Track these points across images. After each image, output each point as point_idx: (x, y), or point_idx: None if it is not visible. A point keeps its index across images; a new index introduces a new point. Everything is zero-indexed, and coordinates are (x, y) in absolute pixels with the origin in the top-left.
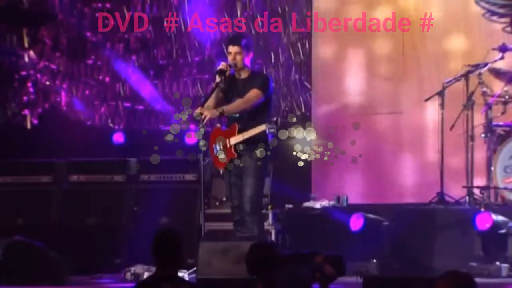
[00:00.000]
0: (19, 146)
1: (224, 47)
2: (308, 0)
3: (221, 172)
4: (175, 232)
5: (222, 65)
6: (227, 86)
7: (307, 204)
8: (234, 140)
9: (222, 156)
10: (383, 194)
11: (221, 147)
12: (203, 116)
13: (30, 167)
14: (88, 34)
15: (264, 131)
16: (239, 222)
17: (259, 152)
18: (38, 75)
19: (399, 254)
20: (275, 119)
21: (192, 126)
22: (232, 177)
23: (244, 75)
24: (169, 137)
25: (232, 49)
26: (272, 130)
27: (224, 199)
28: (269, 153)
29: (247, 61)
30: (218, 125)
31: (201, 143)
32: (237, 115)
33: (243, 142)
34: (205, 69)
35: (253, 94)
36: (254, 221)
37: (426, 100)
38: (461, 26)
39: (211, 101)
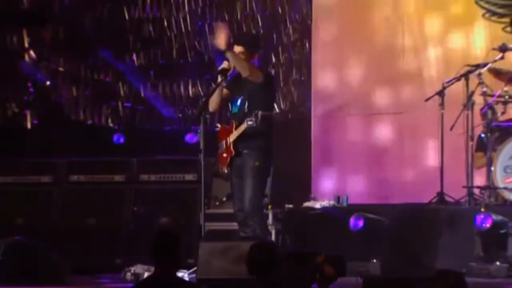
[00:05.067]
0: (19, 146)
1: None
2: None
3: (225, 171)
4: (173, 232)
5: (224, 64)
6: (232, 84)
7: (307, 204)
8: (232, 137)
9: (225, 154)
10: (383, 194)
11: (225, 146)
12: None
13: (30, 167)
14: (88, 34)
15: (251, 127)
16: (243, 222)
17: (256, 152)
18: (38, 75)
19: (399, 254)
20: (256, 111)
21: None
22: (234, 178)
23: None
24: None
25: (236, 48)
26: (251, 122)
27: (224, 199)
28: (268, 152)
29: (253, 61)
30: (218, 125)
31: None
32: (235, 110)
33: (241, 141)
34: (205, 69)
35: (255, 69)
36: (255, 221)
37: (426, 100)
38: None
39: (215, 99)
